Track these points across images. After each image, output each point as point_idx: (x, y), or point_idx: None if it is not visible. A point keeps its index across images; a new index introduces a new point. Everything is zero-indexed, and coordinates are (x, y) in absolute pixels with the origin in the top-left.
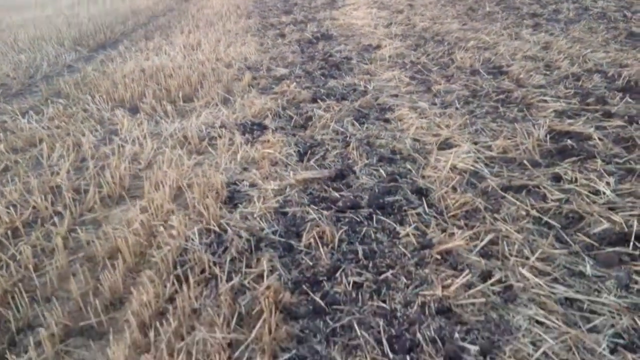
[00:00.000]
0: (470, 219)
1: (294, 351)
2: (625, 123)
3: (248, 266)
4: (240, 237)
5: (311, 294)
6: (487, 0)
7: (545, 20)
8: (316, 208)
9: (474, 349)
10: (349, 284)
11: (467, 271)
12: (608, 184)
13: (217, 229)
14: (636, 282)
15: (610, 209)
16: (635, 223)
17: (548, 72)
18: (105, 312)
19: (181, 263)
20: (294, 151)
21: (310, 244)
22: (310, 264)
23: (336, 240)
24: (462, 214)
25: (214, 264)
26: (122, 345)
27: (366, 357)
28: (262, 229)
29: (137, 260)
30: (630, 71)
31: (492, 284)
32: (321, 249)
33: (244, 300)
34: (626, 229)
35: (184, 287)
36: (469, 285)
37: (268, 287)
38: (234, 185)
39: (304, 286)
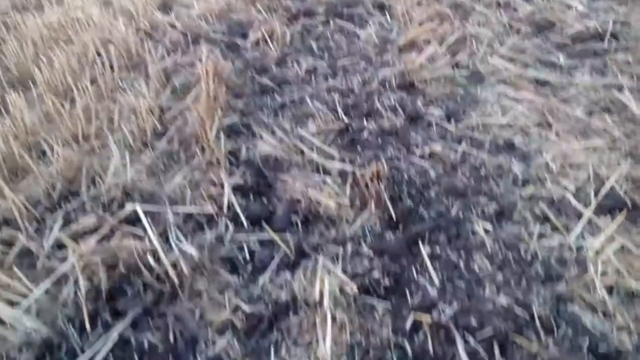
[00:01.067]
0: (439, 24)
1: (234, 118)
2: None
3: (184, 54)
4: (174, 28)
5: (257, 76)
6: None
7: None
8: (266, 14)
9: (438, 112)
10: (301, 69)
11: (431, 48)
12: (580, 2)
13: (148, 27)
14: (611, 69)
15: (583, 18)
16: (611, 24)
17: None
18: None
19: (105, 51)
20: None
21: (257, 41)
22: (258, 55)
23: (287, 38)
24: (429, 22)
25: (145, 51)
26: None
27: (319, 122)
28: (201, 27)
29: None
30: None
31: (458, 68)
32: (270, 45)
33: (178, 78)
34: (600, 30)
35: (107, 67)
36: (434, 68)
37: (207, 71)
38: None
39: (249, 72)
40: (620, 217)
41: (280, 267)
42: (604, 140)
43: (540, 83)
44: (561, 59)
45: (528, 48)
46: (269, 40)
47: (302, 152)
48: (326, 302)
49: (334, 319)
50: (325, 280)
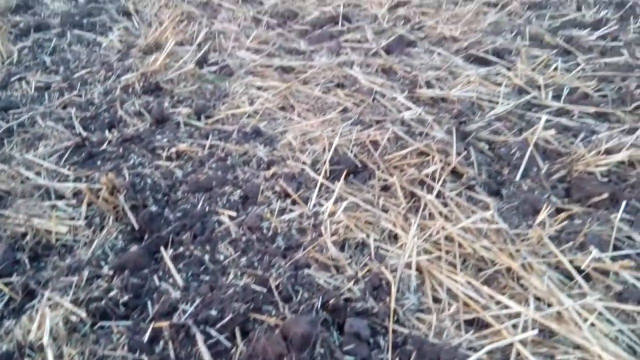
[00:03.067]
0: (187, 23)
1: None
2: None
3: None
4: None
5: None
6: None
7: None
8: None
9: (185, 110)
10: (30, 88)
11: (176, 48)
12: None
13: None
14: (344, 48)
15: (321, 4)
16: (342, 8)
17: None
18: None
19: None
20: None
21: None
22: None
23: (15, 56)
24: (177, 24)
25: None
26: None
27: (52, 141)
28: None
29: None
30: None
31: (207, 65)
32: None
33: None
34: (334, 14)
35: None
36: (181, 67)
37: None
38: None
39: None
40: (345, 177)
41: (5, 316)
42: (338, 112)
43: (284, 70)
44: (302, 44)
45: (272, 38)
46: None
47: (29, 179)
48: (46, 340)
49: (60, 357)
50: (47, 316)
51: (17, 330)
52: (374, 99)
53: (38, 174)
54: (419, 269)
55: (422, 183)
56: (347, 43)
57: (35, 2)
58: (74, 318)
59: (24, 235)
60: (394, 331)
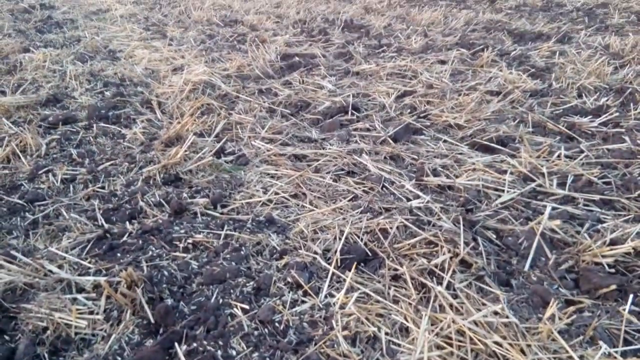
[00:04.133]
0: (207, 115)
1: None
2: (343, 45)
3: None
4: None
5: (5, 197)
6: None
7: None
8: (19, 127)
9: (203, 201)
10: (57, 180)
11: (196, 139)
12: (330, 81)
13: None
14: (354, 136)
15: (332, 95)
16: (351, 98)
17: (279, 21)
18: None
19: None
20: None
21: (7, 157)
22: (7, 173)
23: (43, 149)
24: (198, 114)
25: None
26: None
27: (75, 234)
28: None
29: None
30: (345, 16)
31: (225, 155)
32: (23, 159)
33: None
34: (345, 104)
35: None
36: (200, 158)
37: None
38: None
39: None
40: (355, 268)
41: None
42: (348, 200)
43: (297, 157)
44: (314, 133)
45: (286, 128)
46: (20, 155)
47: (52, 273)
48: None
49: None
50: None
51: None
52: (383, 187)
53: (60, 267)
54: None
55: (431, 273)
56: (356, 131)
57: (65, 96)
58: None
59: (45, 329)
60: None
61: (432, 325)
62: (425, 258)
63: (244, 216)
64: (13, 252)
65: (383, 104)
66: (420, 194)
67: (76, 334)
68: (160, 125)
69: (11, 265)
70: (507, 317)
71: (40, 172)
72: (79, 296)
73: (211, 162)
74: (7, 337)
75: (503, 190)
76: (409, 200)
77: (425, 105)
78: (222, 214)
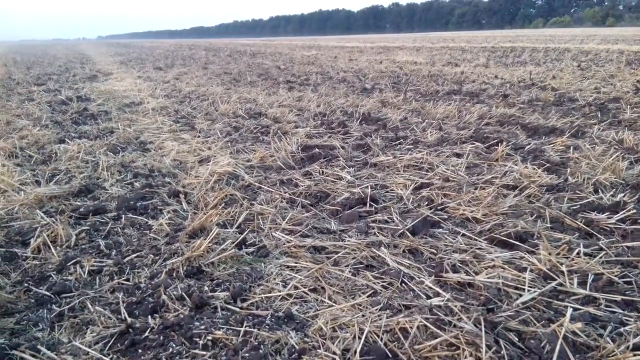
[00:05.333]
0: (230, 206)
1: (1, 341)
2: (361, 137)
3: None
4: None
5: (34, 288)
6: (249, 74)
7: (298, 85)
8: (51, 218)
9: (224, 295)
10: (84, 272)
11: (219, 231)
12: (349, 173)
13: None
14: (373, 229)
15: (351, 186)
16: (370, 190)
17: (300, 114)
18: None
19: None
20: (31, 181)
21: (39, 248)
22: (37, 264)
23: (73, 240)
24: (222, 205)
25: None
26: None
27: (99, 328)
28: None
29: None
30: (363, 109)
31: (246, 247)
32: (53, 250)
33: None
34: (363, 195)
35: None
36: (223, 250)
37: None
38: None
39: (26, 284)
40: None
41: None
42: (367, 297)
43: (317, 250)
44: (333, 225)
45: (306, 219)
46: (51, 246)
47: None
48: None
49: None
50: None
51: None
52: (402, 282)
53: None
54: None
55: None
56: (375, 224)
57: (96, 187)
58: None
59: None
60: None
61: None
62: None
63: (264, 312)
64: (39, 347)
65: (401, 196)
66: (441, 291)
67: None
68: (185, 216)
69: None
70: None
71: (69, 263)
72: None
73: (233, 254)
74: None
75: (524, 289)
76: (429, 298)
77: (442, 198)
78: (242, 308)
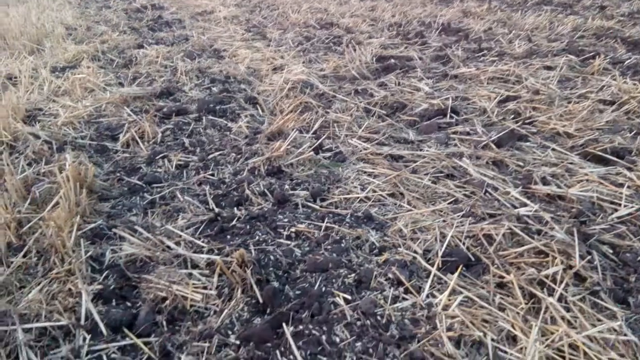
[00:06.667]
0: (305, 113)
1: (99, 222)
2: (440, 48)
3: (48, 163)
4: (38, 138)
5: (126, 177)
6: None
7: None
8: (137, 116)
9: (303, 193)
10: (172, 166)
11: (297, 135)
12: (427, 84)
13: (9, 138)
14: (453, 140)
15: (429, 97)
16: (450, 101)
17: (374, 24)
18: None
19: None
20: (115, 82)
21: (127, 142)
22: (127, 157)
23: (158, 137)
24: (297, 111)
25: (4, 164)
26: None
27: (189, 215)
28: (66, 135)
29: None
30: (443, 19)
31: (323, 152)
32: (141, 145)
33: (39, 188)
34: (443, 106)
35: None
36: (300, 153)
37: (67, 177)
38: (37, 111)
39: (118, 174)
40: (460, 271)
41: None
42: (448, 203)
43: (394, 158)
44: (411, 134)
45: (382, 128)
46: (139, 141)
47: (170, 248)
48: None
49: None
50: None
51: None
52: (485, 192)
53: (177, 244)
54: None
55: (540, 284)
56: (455, 135)
57: (176, 90)
58: None
59: (164, 299)
60: None
61: (542, 336)
62: (535, 268)
63: (343, 211)
64: (136, 227)
65: (484, 108)
66: (528, 202)
67: (191, 306)
68: (262, 120)
69: (133, 238)
70: (626, 335)
71: (157, 157)
72: (194, 272)
73: (310, 157)
74: (129, 304)
75: (620, 204)
76: (515, 207)
77: (530, 112)
78: (321, 207)
